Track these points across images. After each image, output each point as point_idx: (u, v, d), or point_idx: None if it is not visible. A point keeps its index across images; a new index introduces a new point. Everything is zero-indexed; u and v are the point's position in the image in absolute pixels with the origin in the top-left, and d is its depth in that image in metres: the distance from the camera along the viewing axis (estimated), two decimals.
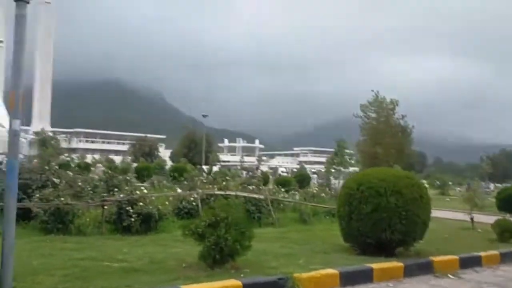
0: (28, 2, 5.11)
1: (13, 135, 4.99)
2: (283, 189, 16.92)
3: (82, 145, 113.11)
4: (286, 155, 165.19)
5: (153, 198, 10.13)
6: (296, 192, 16.61)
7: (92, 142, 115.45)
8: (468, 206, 14.09)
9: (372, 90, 36.18)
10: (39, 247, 7.36)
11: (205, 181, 13.11)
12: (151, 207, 9.38)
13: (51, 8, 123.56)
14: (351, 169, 37.85)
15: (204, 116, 63.38)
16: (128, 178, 12.72)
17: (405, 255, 8.73)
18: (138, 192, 9.85)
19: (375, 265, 7.42)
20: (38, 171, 10.28)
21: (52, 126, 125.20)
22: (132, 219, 9.18)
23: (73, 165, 41.81)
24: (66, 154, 57.15)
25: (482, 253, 9.26)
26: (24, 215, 8.54)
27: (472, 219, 13.76)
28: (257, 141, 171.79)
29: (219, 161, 74.32)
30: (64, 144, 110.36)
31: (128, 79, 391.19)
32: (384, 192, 8.29)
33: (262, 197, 11.86)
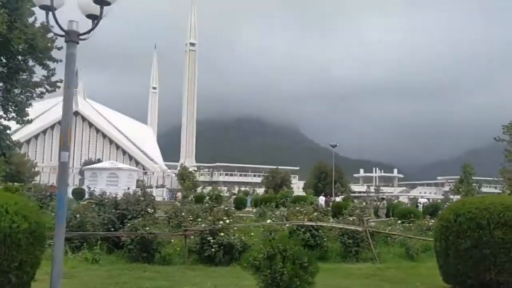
0: (77, 43, 5.48)
1: (62, 167, 5.30)
2: (399, 221, 15.53)
3: (222, 178, 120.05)
4: (428, 184, 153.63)
5: (235, 228, 9.99)
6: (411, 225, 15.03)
7: (231, 175, 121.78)
8: None
9: None
10: (119, 275, 7.71)
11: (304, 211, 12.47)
12: (233, 238, 9.26)
13: (195, 55, 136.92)
14: None
15: (333, 146, 62.72)
16: (226, 208, 12.80)
17: None
18: (222, 222, 9.82)
19: None
20: (135, 202, 10.96)
21: (197, 161, 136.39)
22: (213, 250, 9.16)
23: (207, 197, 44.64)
24: (201, 187, 61.05)
25: None
26: (117, 244, 9.08)
27: None
28: (395, 171, 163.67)
29: (350, 191, 72.17)
30: (207, 178, 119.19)
31: (266, 115, 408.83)
32: (487, 224, 6.96)
33: (360, 229, 10.92)
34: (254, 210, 24.49)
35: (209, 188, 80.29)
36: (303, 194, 56.92)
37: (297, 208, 12.39)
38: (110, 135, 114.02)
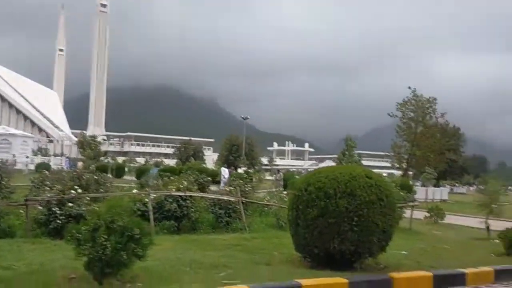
0: None
1: None
2: (285, 192, 15.63)
3: (133, 148, 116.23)
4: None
5: (88, 198, 9.24)
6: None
7: (143, 145, 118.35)
8: (484, 212, 12.14)
9: (409, 87, 33.82)
10: None
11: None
12: (84, 209, 8.53)
13: (107, 17, 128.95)
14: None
15: (244, 118, 62.84)
16: (96, 177, 11.91)
17: (370, 268, 7.33)
18: (73, 192, 9.02)
19: (305, 282, 6.08)
20: None
21: (108, 130, 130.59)
22: (59, 221, 8.39)
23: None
24: (106, 157, 58.51)
25: (469, 270, 7.58)
26: None
27: (488, 227, 11.87)
28: (306, 145, 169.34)
29: (261, 164, 73.37)
30: (117, 148, 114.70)
31: (185, 86, 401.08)
32: (334, 194, 6.93)
33: (233, 199, 10.70)
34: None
35: (123, 158, 77.45)
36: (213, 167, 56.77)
37: (172, 178, 11.86)
38: (10, 99, 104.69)
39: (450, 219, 16.77)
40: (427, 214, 15.47)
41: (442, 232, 13.21)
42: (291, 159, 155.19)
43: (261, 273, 6.59)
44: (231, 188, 11.72)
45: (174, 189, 10.10)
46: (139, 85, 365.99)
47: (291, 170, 76.65)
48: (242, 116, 63.22)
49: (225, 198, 10.65)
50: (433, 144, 32.63)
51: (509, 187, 55.26)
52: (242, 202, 10.84)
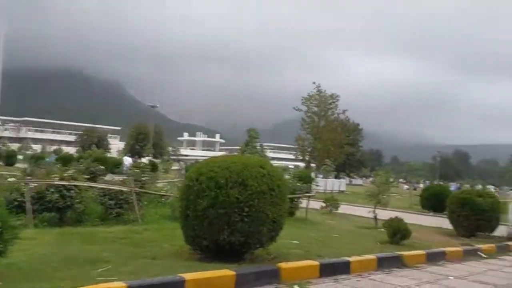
0: None
1: None
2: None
3: (31, 134, 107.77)
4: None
5: None
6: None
7: (42, 131, 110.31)
8: (373, 203, 12.81)
9: (314, 83, 35.01)
10: None
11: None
12: None
13: None
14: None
15: (152, 106, 60.97)
16: None
17: (260, 259, 7.26)
18: None
19: (190, 276, 5.80)
20: None
21: (3, 114, 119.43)
22: None
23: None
24: None
25: (354, 258, 7.83)
26: None
27: (375, 217, 12.52)
28: (217, 136, 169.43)
29: (169, 154, 71.87)
30: (12, 133, 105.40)
31: (91, 70, 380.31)
32: (225, 184, 6.71)
33: (125, 189, 10.10)
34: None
35: (18, 145, 71.18)
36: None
37: (58, 167, 10.91)
38: None
39: (345, 209, 17.53)
40: (323, 204, 16.03)
41: (336, 221, 13.72)
42: (202, 150, 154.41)
43: (144, 268, 6.19)
44: (125, 178, 11.04)
45: (57, 178, 9.23)
46: (41, 68, 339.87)
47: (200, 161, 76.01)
48: (151, 104, 61.23)
49: (116, 188, 9.98)
50: (334, 138, 34.13)
51: (451, 183, 60.10)
52: (136, 193, 10.26)
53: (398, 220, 9.94)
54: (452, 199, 12.30)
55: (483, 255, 10.37)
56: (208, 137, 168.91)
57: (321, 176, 37.06)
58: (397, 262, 8.34)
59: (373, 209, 12.58)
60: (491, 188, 54.15)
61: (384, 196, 12.51)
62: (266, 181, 6.92)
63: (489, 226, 11.90)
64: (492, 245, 11.15)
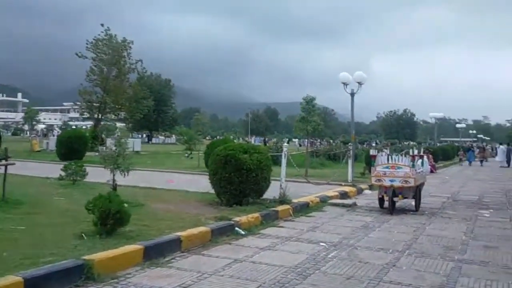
0: None
1: None
2: None
3: None
4: (54, 111, 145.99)
5: None
6: None
7: None
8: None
9: (102, 25, 29.46)
10: None
11: None
12: None
13: None
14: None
15: None
16: None
17: None
18: None
19: None
20: None
21: None
22: None
23: None
24: None
25: None
26: None
27: (114, 187, 8.88)
28: (19, 95, 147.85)
29: None
30: None
31: None
32: None
33: None
34: None
35: None
36: None
37: None
38: None
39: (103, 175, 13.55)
40: (63, 173, 11.76)
41: (69, 199, 9.65)
42: (1, 111, 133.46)
43: None
44: None
45: None
46: None
47: None
48: None
49: None
50: (126, 90, 29.47)
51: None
52: None
53: (109, 196, 6.34)
54: (215, 157, 9.34)
55: (241, 231, 7.59)
56: (7, 96, 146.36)
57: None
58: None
59: (111, 177, 8.85)
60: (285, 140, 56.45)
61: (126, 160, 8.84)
62: None
63: (257, 190, 9.28)
64: (256, 214, 8.52)
